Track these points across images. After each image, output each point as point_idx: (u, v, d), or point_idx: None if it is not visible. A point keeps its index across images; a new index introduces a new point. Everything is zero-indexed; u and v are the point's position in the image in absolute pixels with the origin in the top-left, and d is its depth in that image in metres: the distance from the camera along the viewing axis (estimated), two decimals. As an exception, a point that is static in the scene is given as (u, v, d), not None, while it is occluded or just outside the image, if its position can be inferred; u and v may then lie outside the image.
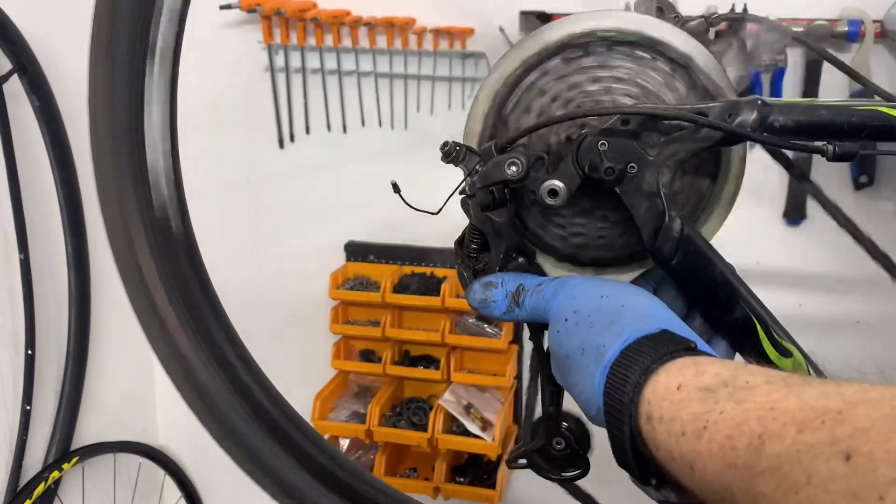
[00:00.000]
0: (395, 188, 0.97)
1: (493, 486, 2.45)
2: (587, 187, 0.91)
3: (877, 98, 1.28)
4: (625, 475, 0.73)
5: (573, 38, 0.97)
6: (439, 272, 2.59)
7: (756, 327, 0.93)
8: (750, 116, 0.87)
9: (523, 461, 1.01)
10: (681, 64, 0.96)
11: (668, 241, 0.90)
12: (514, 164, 0.88)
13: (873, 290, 2.28)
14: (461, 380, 2.48)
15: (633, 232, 0.95)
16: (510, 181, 0.89)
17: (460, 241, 0.97)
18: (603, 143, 0.88)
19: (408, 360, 2.63)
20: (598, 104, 0.95)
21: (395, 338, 2.53)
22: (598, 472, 0.99)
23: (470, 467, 2.58)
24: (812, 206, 2.31)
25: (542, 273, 0.96)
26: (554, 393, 0.98)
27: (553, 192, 0.89)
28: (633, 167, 0.89)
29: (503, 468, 2.46)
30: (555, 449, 1.00)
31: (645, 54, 0.97)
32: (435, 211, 0.96)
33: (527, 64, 0.98)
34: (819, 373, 0.98)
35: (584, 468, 1.01)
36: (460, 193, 0.93)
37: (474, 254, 0.95)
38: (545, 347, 0.94)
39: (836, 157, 0.88)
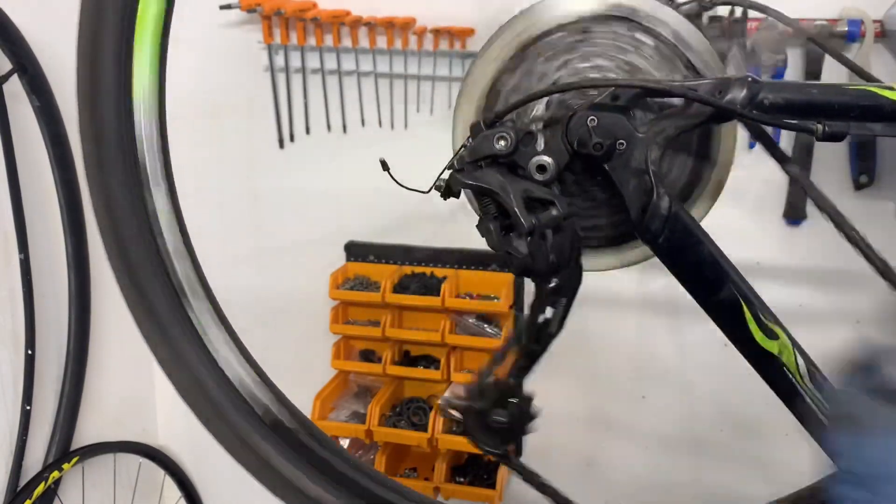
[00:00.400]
0: (384, 166, 0.96)
1: (493, 486, 2.44)
2: (576, 164, 0.90)
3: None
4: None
5: (557, 21, 0.98)
6: (439, 272, 2.58)
7: (743, 308, 0.94)
8: (740, 93, 0.87)
9: (458, 415, 0.99)
10: (670, 41, 0.96)
11: (656, 219, 0.90)
12: (503, 138, 0.88)
13: (873, 289, 2.27)
14: (461, 380, 2.48)
15: (621, 210, 0.95)
16: (499, 155, 0.88)
17: (479, 222, 0.94)
18: (592, 119, 0.88)
19: (408, 360, 2.63)
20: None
21: (395, 338, 2.52)
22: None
23: (470, 467, 2.58)
24: (812, 206, 2.30)
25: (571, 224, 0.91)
26: (524, 368, 0.96)
27: (542, 168, 0.88)
28: (622, 143, 0.89)
29: (503, 468, 2.46)
30: (494, 419, 0.98)
31: (634, 32, 0.97)
32: (426, 190, 0.96)
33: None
34: (804, 355, 0.98)
35: (515, 450, 0.99)
36: (448, 169, 0.93)
37: (493, 212, 0.91)
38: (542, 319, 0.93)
39: (825, 137, 0.88)
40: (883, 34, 2.16)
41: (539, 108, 0.96)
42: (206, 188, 2.66)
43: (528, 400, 0.99)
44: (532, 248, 0.87)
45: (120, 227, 0.95)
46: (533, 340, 0.96)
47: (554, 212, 0.87)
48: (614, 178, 0.91)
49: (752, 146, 2.20)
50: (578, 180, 0.96)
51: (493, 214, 0.90)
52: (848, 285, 2.28)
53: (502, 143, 0.88)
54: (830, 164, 2.27)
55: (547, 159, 0.88)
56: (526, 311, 1.00)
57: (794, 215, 2.33)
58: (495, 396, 0.98)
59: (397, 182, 0.96)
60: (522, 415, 0.99)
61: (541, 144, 0.90)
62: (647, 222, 0.90)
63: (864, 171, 2.26)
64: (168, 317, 0.98)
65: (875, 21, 2.15)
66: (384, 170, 0.97)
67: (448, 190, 0.94)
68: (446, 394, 2.40)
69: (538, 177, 0.88)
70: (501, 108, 0.92)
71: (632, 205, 0.91)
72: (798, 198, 2.31)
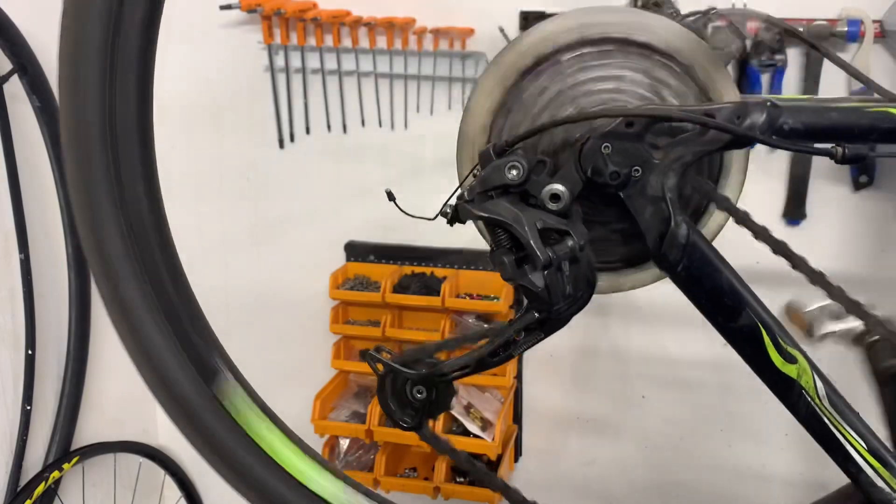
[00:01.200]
0: (390, 196, 0.95)
1: (493, 486, 2.44)
2: (588, 191, 0.89)
3: (875, 96, 1.27)
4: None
5: (559, 41, 0.97)
6: (439, 272, 2.58)
7: (762, 334, 0.93)
8: (759, 119, 0.85)
9: (381, 367, 0.98)
10: (681, 62, 0.95)
11: (675, 247, 0.89)
12: (514, 167, 0.85)
13: (873, 289, 2.28)
14: (461, 380, 2.47)
15: (635, 236, 0.94)
16: (510, 185, 0.86)
17: (492, 253, 0.91)
18: (606, 146, 0.86)
19: (408, 360, 2.61)
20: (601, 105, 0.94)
21: (395, 338, 2.52)
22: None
23: (470, 467, 2.57)
24: (812, 206, 2.31)
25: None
26: (466, 369, 0.95)
27: (555, 197, 0.86)
28: (637, 171, 0.87)
29: (504, 468, 2.46)
30: (410, 392, 0.97)
31: (641, 52, 0.96)
32: (431, 216, 0.94)
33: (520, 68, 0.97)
34: (822, 378, 0.97)
35: (416, 428, 0.98)
36: (458, 199, 0.91)
37: (507, 243, 0.88)
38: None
39: (845, 160, 0.87)
40: (882, 34, 2.16)
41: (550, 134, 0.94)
42: (207, 188, 2.66)
43: (450, 393, 0.98)
44: (549, 282, 0.86)
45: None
46: (490, 353, 0.94)
47: (570, 242, 0.85)
48: (629, 206, 0.89)
49: (751, 146, 2.20)
50: (589, 208, 0.95)
51: (507, 246, 0.87)
52: (847, 285, 2.28)
53: (514, 172, 0.85)
54: (830, 164, 2.27)
55: (560, 188, 0.86)
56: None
57: (793, 215, 2.33)
58: (424, 373, 0.97)
59: (403, 211, 0.95)
60: (437, 403, 0.98)
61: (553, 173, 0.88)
62: (664, 251, 0.88)
63: (864, 171, 2.26)
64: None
65: (875, 21, 2.15)
66: (390, 200, 0.95)
67: (455, 217, 0.92)
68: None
69: (551, 206, 0.86)
70: (512, 137, 0.90)
71: (648, 233, 0.89)
72: (798, 198, 2.32)
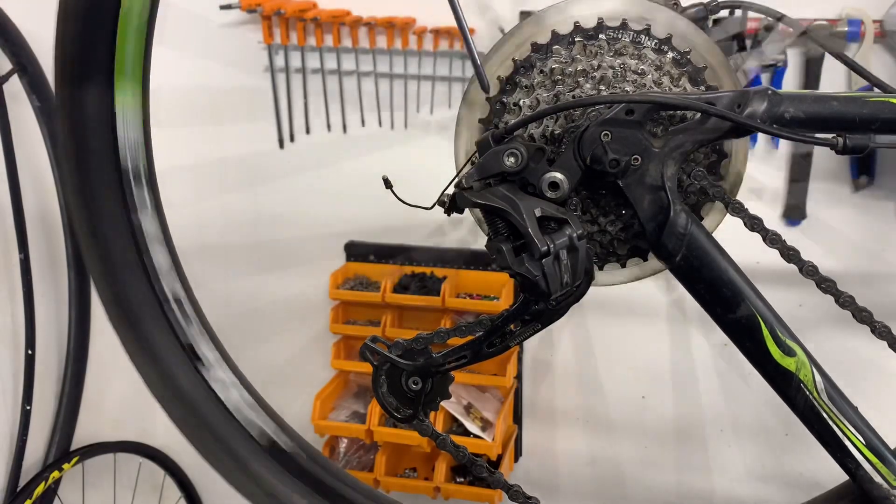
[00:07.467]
0: (387, 183, 0.95)
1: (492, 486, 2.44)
2: (586, 180, 0.88)
3: (876, 90, 1.27)
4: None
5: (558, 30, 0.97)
6: (439, 272, 2.57)
7: (760, 326, 0.92)
8: (760, 107, 0.85)
9: (377, 357, 0.98)
10: (680, 50, 0.95)
11: (673, 237, 0.88)
12: (513, 154, 0.85)
13: (872, 289, 2.28)
14: (461, 380, 2.47)
15: (633, 226, 0.93)
16: (509, 173, 0.86)
17: (489, 242, 0.91)
18: (606, 134, 0.86)
19: (408, 360, 2.61)
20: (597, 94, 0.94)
21: (395, 338, 2.50)
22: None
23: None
24: (811, 206, 2.31)
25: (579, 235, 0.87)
26: (463, 360, 0.95)
27: (554, 185, 0.86)
28: (636, 159, 0.87)
29: (504, 468, 2.45)
30: (405, 383, 0.98)
31: (641, 40, 0.95)
32: (428, 206, 0.94)
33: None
34: (821, 372, 0.97)
35: (409, 419, 0.98)
36: (455, 187, 0.91)
37: (504, 232, 0.87)
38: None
39: (845, 150, 0.86)
40: (883, 34, 2.16)
41: (548, 122, 0.94)
42: (207, 188, 2.66)
43: (447, 383, 0.98)
44: (546, 271, 0.85)
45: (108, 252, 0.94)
46: (487, 343, 0.94)
47: (568, 231, 0.85)
48: (628, 194, 0.88)
49: (752, 146, 2.20)
50: (587, 196, 0.95)
51: (504, 234, 0.87)
52: (847, 285, 2.28)
53: (512, 159, 0.85)
54: (830, 164, 2.27)
55: (559, 176, 0.86)
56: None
57: (793, 215, 2.33)
58: (420, 364, 0.97)
59: (399, 199, 0.95)
60: (433, 394, 0.98)
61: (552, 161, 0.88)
62: (663, 240, 0.88)
63: (863, 171, 2.26)
64: (157, 341, 0.99)
65: (875, 21, 2.15)
66: (387, 187, 0.95)
67: (452, 206, 0.92)
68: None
69: (550, 194, 0.86)
70: (511, 124, 0.90)
71: (647, 222, 0.89)
72: (797, 198, 2.32)
